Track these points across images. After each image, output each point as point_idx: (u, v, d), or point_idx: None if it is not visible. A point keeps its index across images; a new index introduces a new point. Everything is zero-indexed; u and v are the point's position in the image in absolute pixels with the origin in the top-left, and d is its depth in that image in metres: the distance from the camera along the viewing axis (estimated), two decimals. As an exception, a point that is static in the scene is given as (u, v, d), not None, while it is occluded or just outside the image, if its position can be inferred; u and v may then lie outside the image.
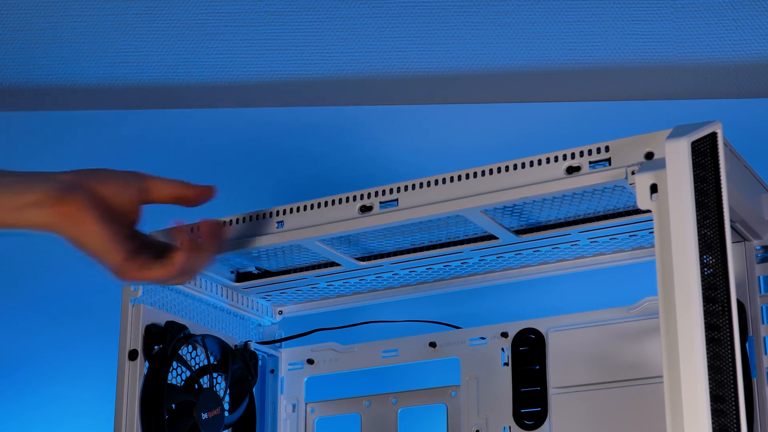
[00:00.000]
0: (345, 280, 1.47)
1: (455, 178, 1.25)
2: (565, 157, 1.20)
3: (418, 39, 1.89)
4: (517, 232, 1.33)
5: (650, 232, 1.32)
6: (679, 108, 1.96)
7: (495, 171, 1.23)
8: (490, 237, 1.34)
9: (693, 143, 1.11)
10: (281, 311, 1.57)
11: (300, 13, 1.85)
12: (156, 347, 1.36)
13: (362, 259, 1.40)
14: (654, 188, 1.12)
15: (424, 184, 1.26)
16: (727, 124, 1.15)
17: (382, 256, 1.40)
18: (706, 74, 1.92)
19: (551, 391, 1.40)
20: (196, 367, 1.42)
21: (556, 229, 1.32)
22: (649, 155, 1.16)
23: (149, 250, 1.22)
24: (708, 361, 1.07)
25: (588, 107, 1.96)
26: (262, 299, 1.55)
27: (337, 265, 1.41)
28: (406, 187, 1.27)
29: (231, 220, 1.36)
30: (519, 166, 1.23)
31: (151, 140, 2.11)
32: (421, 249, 1.38)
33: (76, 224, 1.15)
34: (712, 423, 1.06)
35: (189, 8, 1.85)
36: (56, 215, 1.14)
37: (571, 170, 1.20)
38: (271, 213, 1.34)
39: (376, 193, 1.29)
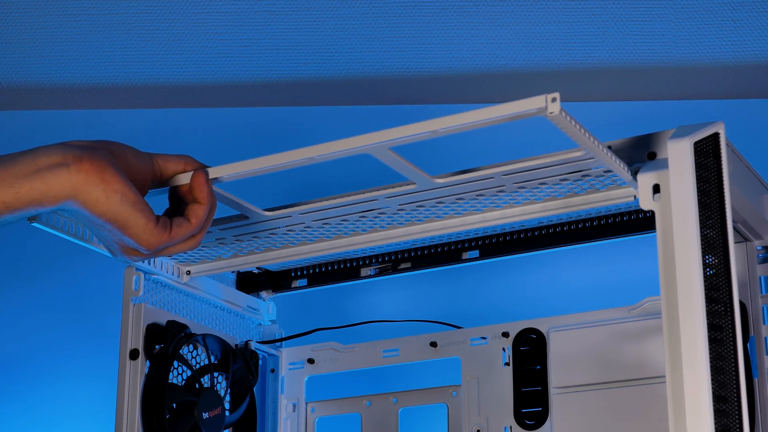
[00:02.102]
0: (254, 234, 1.34)
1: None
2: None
3: (417, 39, 1.89)
4: (435, 177, 1.20)
5: (583, 176, 1.18)
6: (677, 108, 1.96)
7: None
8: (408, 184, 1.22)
9: (696, 143, 1.11)
10: (189, 271, 1.45)
11: (299, 12, 1.85)
12: (157, 347, 1.36)
13: (270, 209, 1.29)
14: (656, 188, 1.12)
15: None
16: (727, 124, 1.15)
17: (291, 206, 1.28)
18: (706, 75, 1.92)
19: (552, 391, 1.40)
20: (197, 366, 1.42)
21: (478, 172, 1.18)
22: (652, 155, 1.16)
23: (166, 213, 1.15)
24: (710, 362, 1.07)
25: (588, 107, 1.96)
26: (168, 259, 1.42)
27: (244, 217, 1.30)
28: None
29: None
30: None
31: (149, 140, 2.11)
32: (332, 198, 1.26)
33: (101, 182, 1.04)
34: (715, 423, 1.06)
35: (188, 8, 1.85)
36: (79, 173, 1.03)
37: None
38: None
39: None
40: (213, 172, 1.15)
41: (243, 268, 1.45)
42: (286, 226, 1.33)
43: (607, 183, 1.20)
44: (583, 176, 1.19)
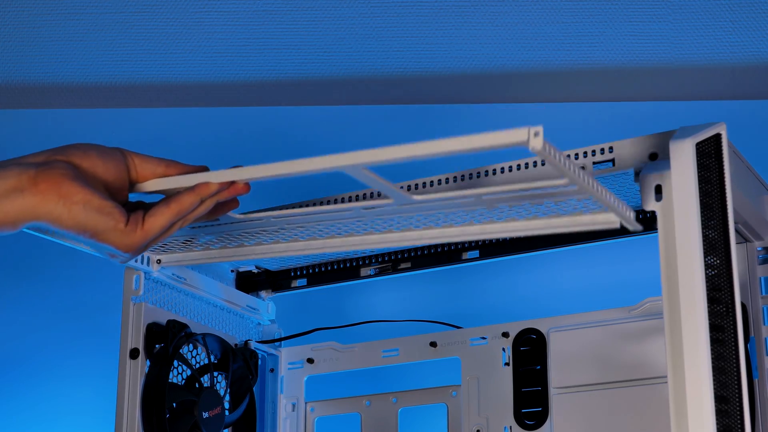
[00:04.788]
0: (227, 233, 1.30)
1: (457, 178, 1.25)
2: (568, 157, 1.20)
3: (416, 39, 1.89)
4: (413, 194, 1.15)
5: (567, 198, 1.11)
6: (676, 109, 1.96)
7: (498, 171, 1.23)
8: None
9: (698, 144, 1.12)
10: (159, 260, 1.39)
11: (298, 12, 1.85)
12: (157, 346, 1.36)
13: (245, 213, 1.24)
14: (658, 189, 1.12)
15: (427, 184, 1.26)
16: (726, 125, 1.15)
17: (265, 210, 1.23)
18: (704, 75, 1.92)
19: (552, 391, 1.41)
20: (197, 366, 1.42)
21: (458, 192, 1.13)
22: (653, 156, 1.16)
23: (143, 207, 1.09)
24: (712, 362, 1.07)
25: (588, 107, 1.97)
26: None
27: (215, 219, 1.23)
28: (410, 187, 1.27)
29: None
30: (522, 166, 1.23)
31: (148, 139, 2.11)
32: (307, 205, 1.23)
33: (60, 198, 1.01)
34: (716, 423, 1.06)
35: (187, 7, 1.85)
36: (36, 195, 1.00)
37: (575, 171, 1.20)
38: None
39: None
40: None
41: (216, 261, 1.38)
42: (261, 228, 1.29)
43: (591, 207, 1.14)
44: (566, 199, 1.13)
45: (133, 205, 1.10)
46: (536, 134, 0.92)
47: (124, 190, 1.08)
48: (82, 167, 1.05)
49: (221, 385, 1.45)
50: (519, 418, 1.42)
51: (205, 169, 1.12)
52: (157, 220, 1.07)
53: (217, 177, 1.09)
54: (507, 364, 1.44)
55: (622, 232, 1.35)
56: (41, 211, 1.01)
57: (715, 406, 1.06)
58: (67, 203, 1.01)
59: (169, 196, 1.08)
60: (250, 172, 1.09)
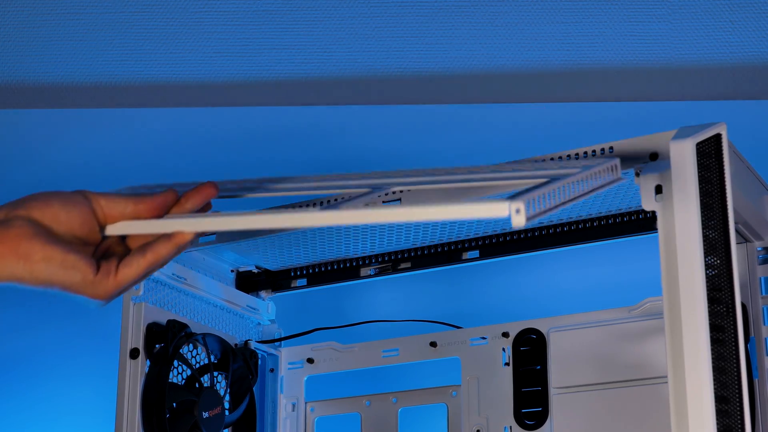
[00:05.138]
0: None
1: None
2: (569, 158, 1.20)
3: (416, 39, 1.89)
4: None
5: None
6: (676, 110, 1.96)
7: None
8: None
9: (698, 144, 1.12)
10: None
11: (298, 12, 1.85)
12: (157, 346, 1.36)
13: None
14: (658, 189, 1.12)
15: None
16: (726, 125, 1.15)
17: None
18: (704, 76, 1.92)
19: (552, 391, 1.41)
20: (197, 365, 1.42)
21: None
22: (654, 156, 1.16)
23: (118, 248, 1.05)
24: (712, 362, 1.07)
25: (588, 108, 1.97)
26: None
27: None
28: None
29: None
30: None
31: (146, 139, 2.11)
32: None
33: (19, 259, 0.97)
34: (717, 424, 1.06)
35: (187, 6, 1.85)
36: None
37: (575, 171, 1.20)
38: None
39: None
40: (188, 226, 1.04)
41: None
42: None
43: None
44: None
45: (107, 246, 1.06)
46: (518, 211, 0.88)
47: (93, 233, 1.03)
48: (43, 221, 1.00)
49: (221, 385, 1.45)
50: (519, 418, 1.42)
51: (173, 194, 1.06)
52: (132, 270, 1.03)
53: (194, 226, 1.05)
54: (507, 364, 1.44)
55: (621, 232, 1.36)
56: (1, 274, 0.98)
57: (716, 406, 1.07)
58: (28, 263, 0.97)
59: (147, 244, 1.04)
60: (229, 223, 1.04)
